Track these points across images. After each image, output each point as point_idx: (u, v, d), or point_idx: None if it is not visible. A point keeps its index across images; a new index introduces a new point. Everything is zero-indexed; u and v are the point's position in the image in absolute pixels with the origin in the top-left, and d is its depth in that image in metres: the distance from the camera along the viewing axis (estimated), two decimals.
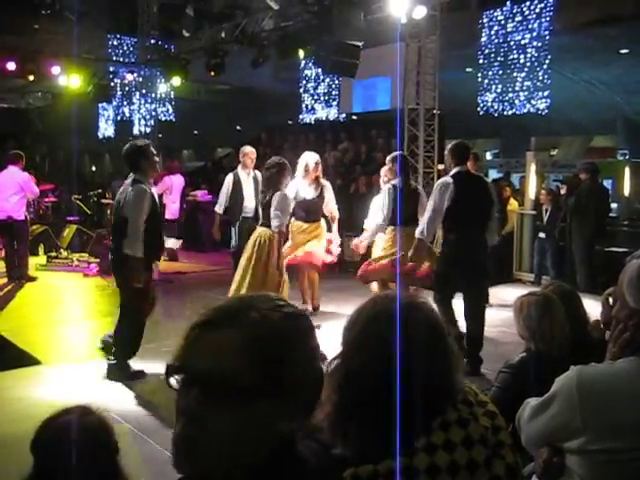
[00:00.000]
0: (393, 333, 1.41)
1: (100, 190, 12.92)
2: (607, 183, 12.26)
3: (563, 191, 9.97)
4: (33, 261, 10.49)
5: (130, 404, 4.96)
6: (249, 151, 8.43)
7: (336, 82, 15.98)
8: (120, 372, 5.47)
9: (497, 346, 6.53)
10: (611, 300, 3.37)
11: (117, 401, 4.96)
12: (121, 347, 5.54)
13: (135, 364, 5.68)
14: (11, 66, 13.23)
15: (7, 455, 4.11)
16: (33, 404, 4.87)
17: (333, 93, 16.47)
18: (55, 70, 13.62)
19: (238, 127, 23.88)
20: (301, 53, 10.79)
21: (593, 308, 3.54)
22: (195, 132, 23.69)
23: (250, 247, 6.72)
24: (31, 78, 13.67)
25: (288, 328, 1.03)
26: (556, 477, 1.92)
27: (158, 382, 5.35)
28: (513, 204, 10.68)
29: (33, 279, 9.66)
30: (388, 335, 1.41)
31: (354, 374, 1.41)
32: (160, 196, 9.38)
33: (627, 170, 13.22)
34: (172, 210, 11.18)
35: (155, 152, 5.52)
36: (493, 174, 16.02)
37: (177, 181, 11.42)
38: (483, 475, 1.40)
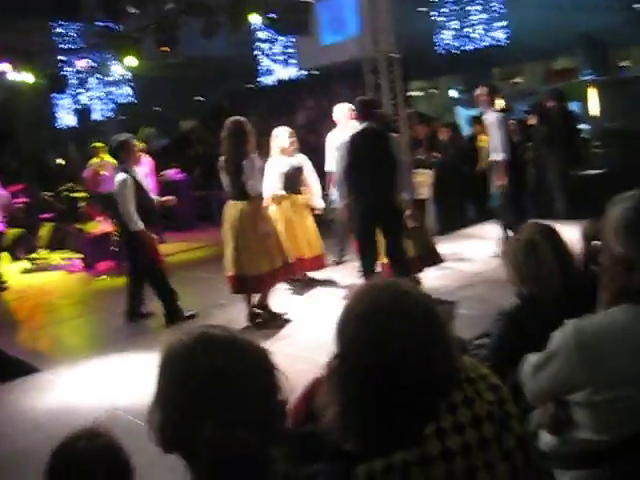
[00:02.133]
0: (388, 325, 1.41)
1: (71, 184, 12.72)
2: (574, 105, 12.23)
3: (533, 121, 9.92)
4: (17, 265, 10.42)
5: (137, 398, 4.96)
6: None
7: (292, 40, 15.74)
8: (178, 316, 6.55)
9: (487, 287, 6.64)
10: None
11: (124, 397, 4.97)
12: (168, 299, 6.61)
13: (130, 354, 5.76)
14: None
15: (23, 468, 4.14)
16: (42, 414, 4.89)
17: (289, 51, 16.23)
18: (5, 67, 13.26)
19: (199, 97, 23.51)
20: (253, 19, 10.47)
21: (575, 234, 3.57)
22: (156, 108, 23.30)
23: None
24: None
25: None
26: (564, 429, 1.96)
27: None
28: (483, 140, 10.61)
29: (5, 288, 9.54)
30: (384, 328, 1.41)
31: (355, 372, 1.42)
32: None
33: (593, 90, 13.18)
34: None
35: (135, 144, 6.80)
36: (462, 111, 15.94)
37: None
38: (495, 451, 1.42)
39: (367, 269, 6.12)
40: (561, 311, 3.09)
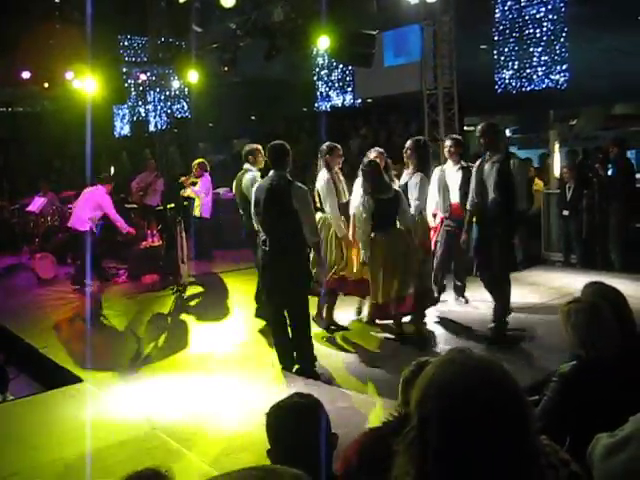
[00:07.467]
0: (471, 403, 1.37)
1: (122, 195, 12.89)
2: (630, 153, 12.01)
3: (602, 171, 9.73)
4: (64, 270, 10.59)
5: (175, 419, 4.98)
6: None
7: (350, 68, 15.86)
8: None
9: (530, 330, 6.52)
10: None
11: (163, 417, 4.99)
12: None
13: (171, 374, 5.77)
14: (26, 75, 13.30)
15: None
16: (80, 425, 4.92)
17: (347, 79, 16.34)
18: (69, 75, 13.63)
19: (252, 117, 23.78)
20: (318, 43, 10.49)
21: (631, 288, 3.48)
22: (210, 125, 23.64)
23: None
24: (46, 85, 13.73)
25: None
26: None
27: (197, 393, 5.41)
28: (538, 184, 10.54)
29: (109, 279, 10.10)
30: (467, 406, 1.37)
31: (433, 450, 1.38)
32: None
33: None
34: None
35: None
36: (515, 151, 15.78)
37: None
38: None
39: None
40: (619, 376, 3.03)
